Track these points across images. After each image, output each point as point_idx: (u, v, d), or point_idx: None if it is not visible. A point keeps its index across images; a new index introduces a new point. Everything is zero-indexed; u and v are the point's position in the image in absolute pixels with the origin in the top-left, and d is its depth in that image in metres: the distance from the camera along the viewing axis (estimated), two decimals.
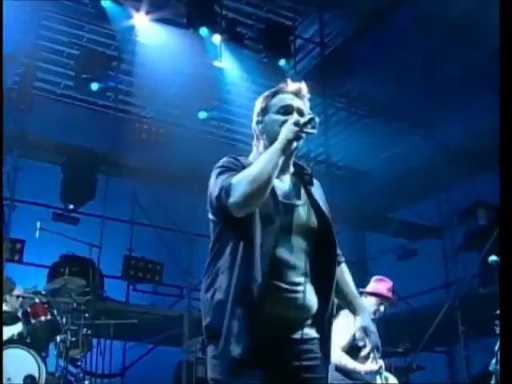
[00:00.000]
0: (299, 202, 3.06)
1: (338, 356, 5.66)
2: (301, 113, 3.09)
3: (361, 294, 6.06)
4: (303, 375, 2.90)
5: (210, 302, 2.90)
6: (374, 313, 5.90)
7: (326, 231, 3.08)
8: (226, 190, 2.82)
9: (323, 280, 3.04)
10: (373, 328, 3.22)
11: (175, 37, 11.73)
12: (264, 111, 3.16)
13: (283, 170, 3.03)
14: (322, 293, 3.03)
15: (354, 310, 3.26)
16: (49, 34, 11.71)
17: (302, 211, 3.04)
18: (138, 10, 11.50)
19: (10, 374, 6.68)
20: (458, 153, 11.97)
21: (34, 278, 9.52)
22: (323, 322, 3.03)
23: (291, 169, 3.15)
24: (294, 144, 2.95)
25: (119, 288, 12.00)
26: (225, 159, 3.05)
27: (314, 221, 3.05)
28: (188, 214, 11.78)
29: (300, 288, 2.93)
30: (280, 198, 2.97)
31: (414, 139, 13.76)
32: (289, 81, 3.21)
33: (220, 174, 2.96)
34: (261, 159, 2.90)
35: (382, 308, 5.98)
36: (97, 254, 10.62)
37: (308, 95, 3.19)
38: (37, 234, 8.42)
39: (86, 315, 8.33)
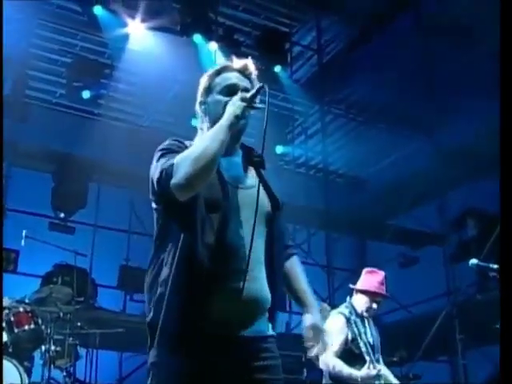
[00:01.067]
0: (249, 185, 2.85)
1: (332, 363, 5.31)
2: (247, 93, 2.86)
3: (352, 291, 5.80)
4: (259, 376, 2.65)
5: (153, 298, 2.67)
6: (367, 310, 5.57)
7: (277, 217, 2.89)
8: (167, 172, 2.60)
9: (274, 270, 2.83)
10: (323, 326, 2.98)
11: (170, 44, 11.67)
12: (207, 91, 2.96)
13: (231, 153, 2.87)
14: (274, 284, 2.80)
15: (304, 307, 3.00)
16: (42, 43, 11.68)
17: (253, 195, 2.77)
18: (133, 17, 11.44)
19: None
20: (458, 158, 11.83)
21: (29, 288, 9.44)
22: (278, 318, 2.85)
23: (239, 151, 2.96)
24: (242, 121, 2.78)
25: (116, 298, 11.92)
26: (167, 141, 2.86)
27: (266, 204, 2.86)
28: None
29: (255, 278, 2.69)
30: (228, 181, 2.76)
31: (414, 145, 13.63)
32: (234, 58, 3.02)
33: (162, 156, 2.74)
34: (205, 137, 2.71)
35: (374, 305, 5.56)
36: (91, 264, 10.59)
37: (255, 73, 2.98)
38: (22, 243, 8.36)
39: (78, 324, 8.26)
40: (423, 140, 12.79)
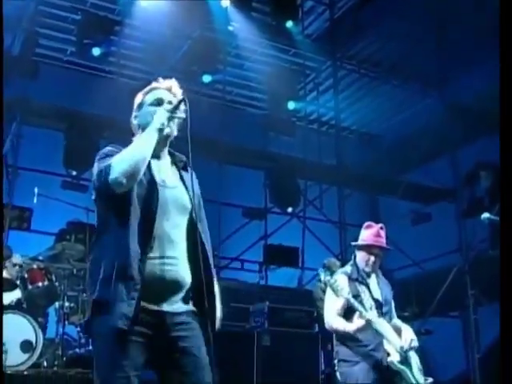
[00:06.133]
0: (173, 185, 3.40)
1: (331, 321, 5.42)
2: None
3: (354, 248, 5.82)
4: (179, 345, 3.18)
5: (96, 279, 3.13)
6: (366, 265, 5.57)
7: (196, 210, 3.40)
8: (105, 170, 3.15)
9: (196, 258, 3.30)
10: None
11: (181, 0, 11.57)
12: (140, 106, 3.50)
13: (160, 158, 3.43)
14: (196, 269, 3.27)
15: None
16: (51, 0, 11.58)
17: (177, 193, 3.39)
18: None
19: (5, 339, 6.63)
20: (470, 114, 11.75)
21: (43, 245, 9.48)
22: (200, 297, 3.27)
23: (168, 158, 3.51)
24: (168, 129, 3.32)
25: None
26: (107, 147, 3.37)
27: (186, 202, 3.40)
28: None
29: (174, 262, 3.24)
30: (157, 181, 3.31)
31: (426, 101, 13.53)
32: (160, 79, 3.56)
33: (100, 159, 3.28)
34: (136, 140, 3.30)
35: (372, 258, 5.56)
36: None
37: (180, 91, 3.49)
38: (34, 200, 8.42)
39: None
40: (435, 96, 12.70)
